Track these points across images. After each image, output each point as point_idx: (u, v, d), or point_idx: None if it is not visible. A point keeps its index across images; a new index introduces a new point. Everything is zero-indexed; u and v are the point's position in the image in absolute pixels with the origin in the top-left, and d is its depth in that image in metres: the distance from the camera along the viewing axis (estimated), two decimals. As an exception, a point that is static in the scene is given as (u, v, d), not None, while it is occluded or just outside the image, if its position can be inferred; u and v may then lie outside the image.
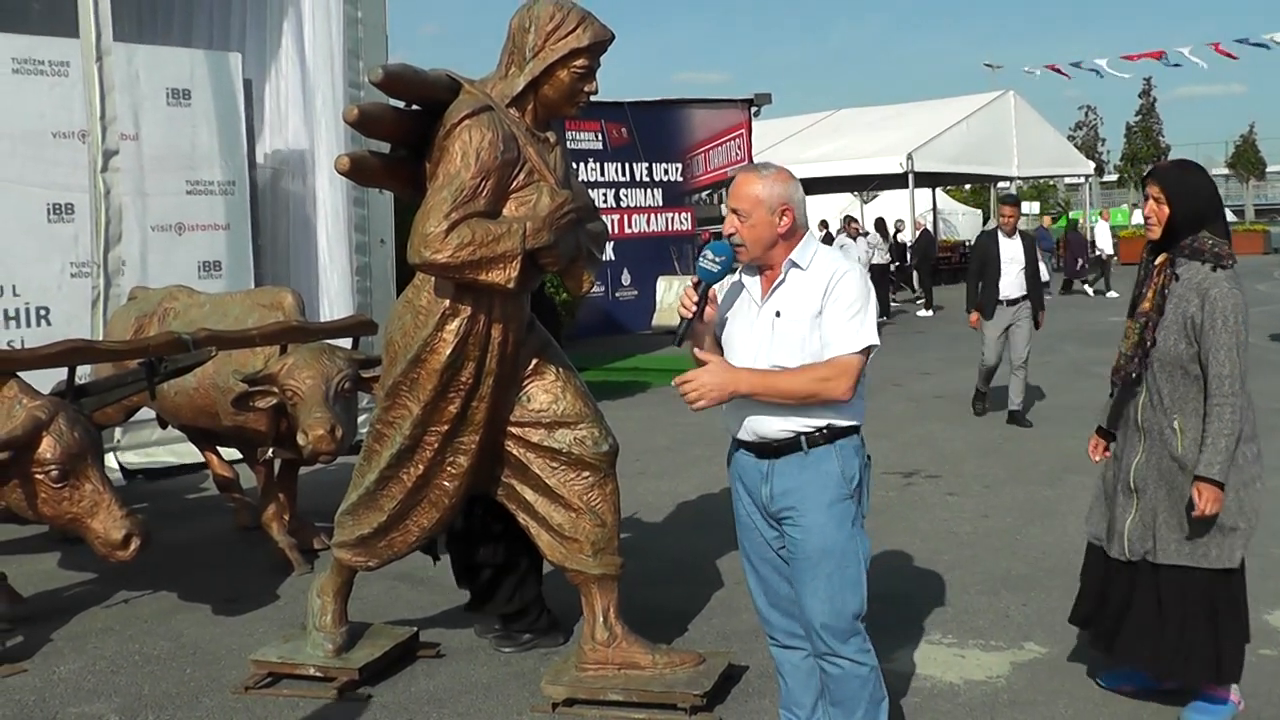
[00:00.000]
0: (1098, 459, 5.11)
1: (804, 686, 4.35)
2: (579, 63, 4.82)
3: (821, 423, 4.00)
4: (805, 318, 3.97)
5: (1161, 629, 4.64)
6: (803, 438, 4.01)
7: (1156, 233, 4.66)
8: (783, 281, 4.05)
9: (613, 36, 4.90)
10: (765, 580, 4.28)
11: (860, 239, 22.37)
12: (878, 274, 21.93)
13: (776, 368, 3.96)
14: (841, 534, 4.03)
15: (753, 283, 4.13)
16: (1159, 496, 4.62)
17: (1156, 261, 4.69)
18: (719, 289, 4.18)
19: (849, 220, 23.64)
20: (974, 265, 11.95)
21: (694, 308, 4.02)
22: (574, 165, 21.28)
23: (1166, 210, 4.61)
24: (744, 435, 4.11)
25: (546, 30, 4.78)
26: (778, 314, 4.02)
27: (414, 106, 4.89)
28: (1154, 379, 4.63)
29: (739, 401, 4.05)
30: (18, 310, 9.97)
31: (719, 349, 4.17)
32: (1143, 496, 4.67)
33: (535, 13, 4.80)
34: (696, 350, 4.09)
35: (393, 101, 4.92)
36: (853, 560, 4.06)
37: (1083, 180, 42.42)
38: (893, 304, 24.89)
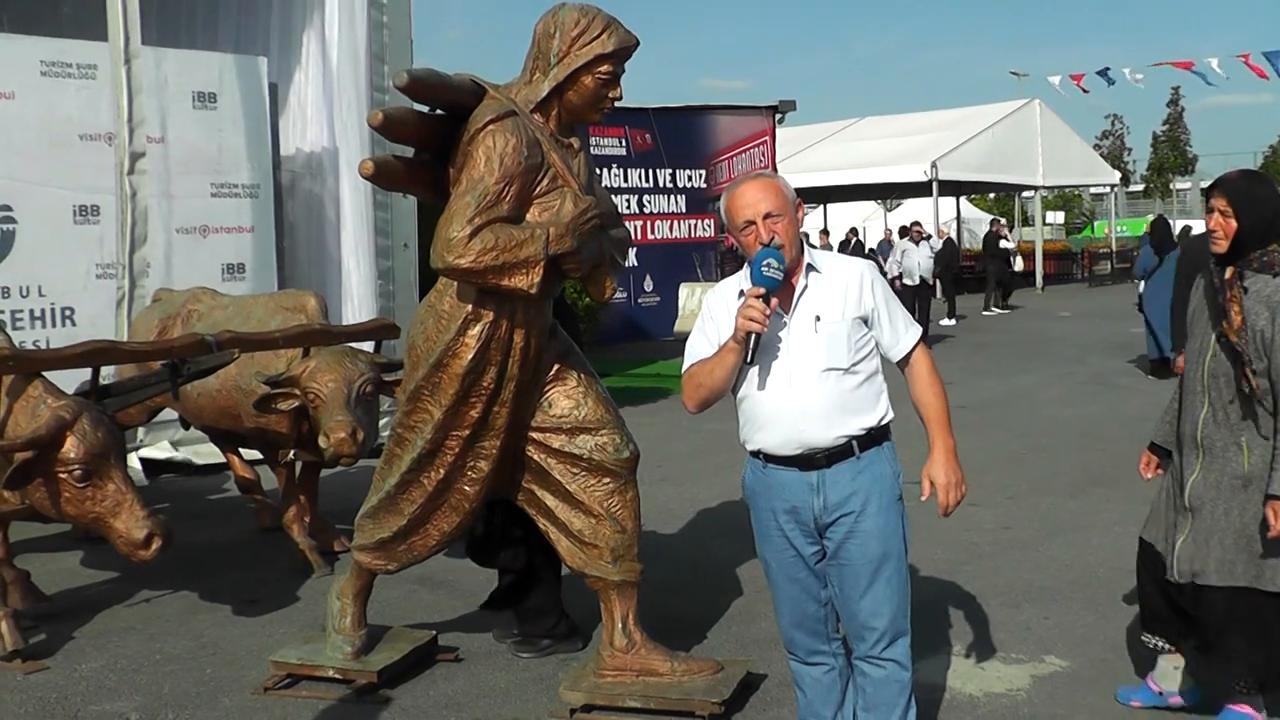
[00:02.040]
0: (1149, 476, 5.02)
1: (824, 700, 4.33)
2: (604, 69, 4.80)
3: (871, 423, 4.02)
4: (847, 319, 3.99)
5: (1228, 646, 4.54)
6: (854, 443, 4.00)
7: (1224, 246, 4.49)
8: (806, 286, 4.04)
9: (637, 42, 4.89)
10: (792, 599, 4.23)
11: (923, 243, 21.73)
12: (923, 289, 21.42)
13: (829, 371, 3.95)
14: (899, 535, 4.07)
15: None
16: (1217, 515, 4.49)
17: (1225, 276, 4.51)
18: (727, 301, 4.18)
19: (914, 224, 22.88)
20: (1181, 282, 8.57)
21: (765, 320, 3.87)
22: (597, 171, 21.32)
23: (1234, 224, 4.46)
24: (786, 450, 4.03)
25: (571, 36, 4.76)
26: (817, 318, 3.99)
27: (438, 111, 4.90)
28: (1219, 394, 4.49)
29: (777, 417, 4.00)
30: (43, 310, 10.04)
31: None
32: (1198, 516, 4.54)
33: (560, 18, 4.79)
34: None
35: (417, 106, 4.93)
36: (905, 560, 4.11)
37: (1108, 190, 42.27)
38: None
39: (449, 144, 4.84)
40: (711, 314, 4.17)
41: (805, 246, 4.12)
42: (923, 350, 4.16)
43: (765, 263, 3.89)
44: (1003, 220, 35.05)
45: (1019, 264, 32.55)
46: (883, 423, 4.08)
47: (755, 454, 4.16)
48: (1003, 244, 29.60)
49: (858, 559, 4.03)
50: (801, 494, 4.05)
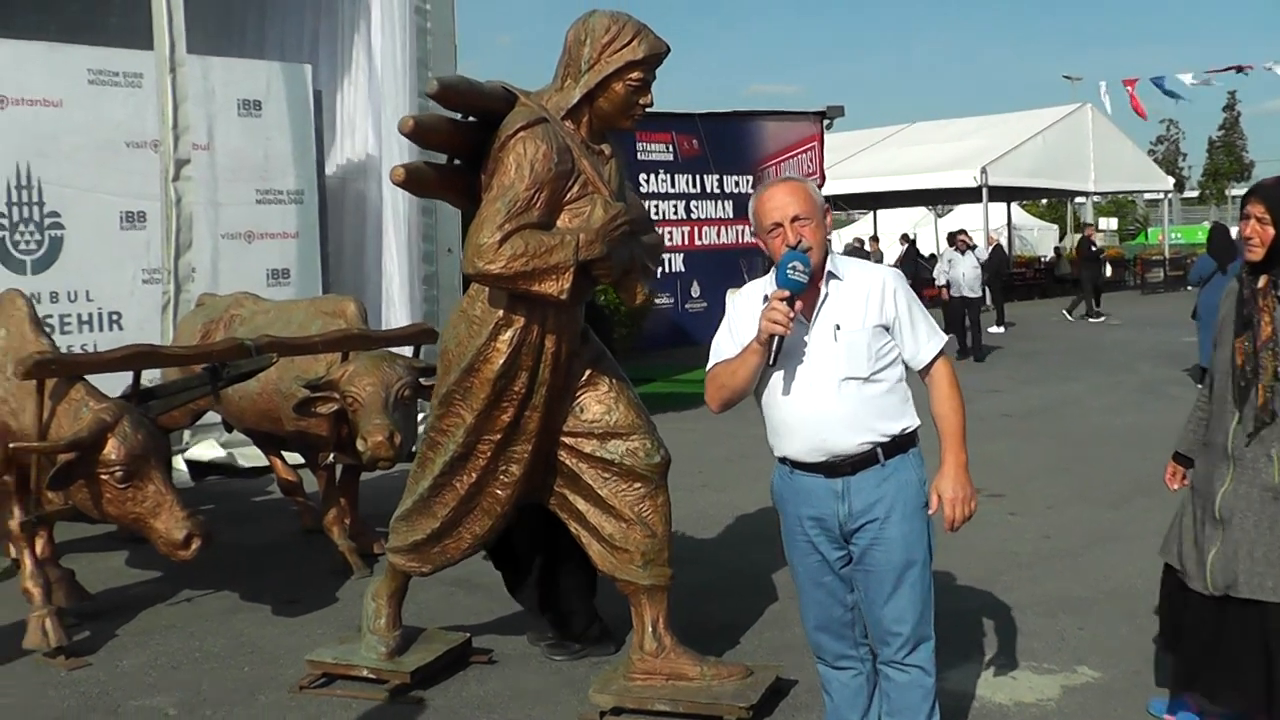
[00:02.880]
0: (1175, 487, 4.96)
1: (851, 705, 4.34)
2: (634, 75, 4.81)
3: (895, 430, 4.02)
4: (867, 327, 3.99)
5: (1252, 666, 4.44)
6: (879, 449, 4.01)
7: (1259, 254, 4.41)
8: (828, 295, 4.04)
9: (668, 49, 4.91)
10: (819, 604, 4.25)
11: (969, 252, 20.70)
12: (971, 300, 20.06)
13: (849, 380, 3.95)
14: (923, 542, 4.07)
15: None
16: (1247, 527, 4.40)
17: (1259, 284, 4.42)
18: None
19: (958, 233, 21.75)
20: None
21: (789, 322, 3.88)
22: (644, 176, 21.13)
23: (1271, 231, 4.37)
24: (810, 458, 4.05)
25: (602, 43, 4.79)
26: (837, 327, 3.99)
27: (470, 118, 4.95)
28: (1250, 405, 4.40)
29: (799, 425, 4.02)
30: (90, 315, 10.21)
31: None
32: (1229, 528, 4.46)
33: (591, 25, 4.82)
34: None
35: (449, 113, 4.97)
36: (929, 566, 4.11)
37: (1163, 196, 41.85)
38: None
39: (481, 150, 4.89)
40: (737, 314, 4.19)
41: (830, 253, 4.13)
42: (945, 362, 4.14)
43: (790, 265, 3.88)
44: (1092, 223, 34.13)
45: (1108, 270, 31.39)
46: (907, 430, 4.08)
47: (782, 460, 4.18)
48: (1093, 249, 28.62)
49: (882, 565, 4.04)
50: (826, 500, 4.06)
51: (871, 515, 4.02)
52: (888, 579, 4.04)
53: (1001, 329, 24.27)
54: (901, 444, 4.06)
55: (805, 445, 4.04)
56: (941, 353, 4.14)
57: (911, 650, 4.08)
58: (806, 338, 4.02)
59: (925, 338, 4.10)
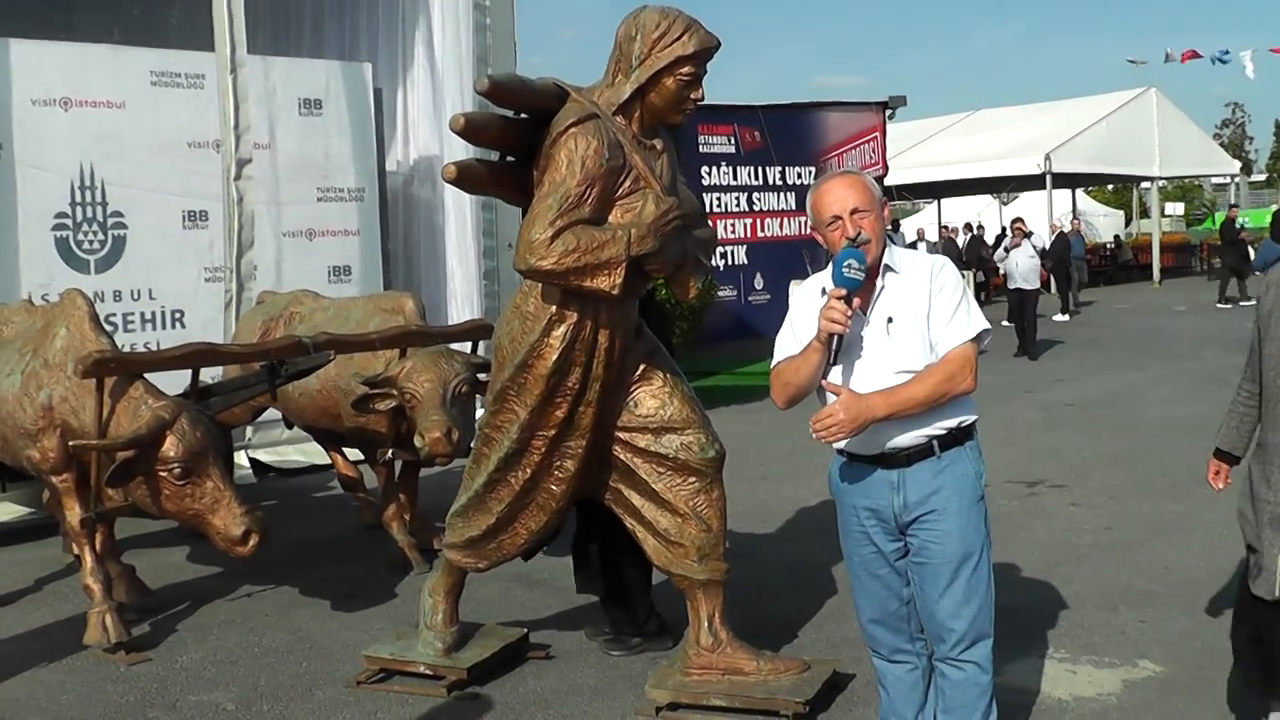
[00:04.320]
0: (1220, 487, 4.84)
1: (906, 699, 4.31)
2: (685, 70, 4.81)
3: (952, 423, 4.00)
4: (920, 318, 3.96)
5: None
6: (934, 442, 3.99)
7: None
8: (883, 288, 4.02)
9: (718, 44, 4.90)
10: (874, 596, 4.22)
11: (1025, 241, 19.95)
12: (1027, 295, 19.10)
13: (902, 374, 3.92)
14: (979, 535, 4.04)
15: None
16: None
17: None
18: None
19: (1014, 221, 21.18)
20: None
21: (847, 321, 3.86)
22: (706, 169, 21.07)
23: None
24: (866, 449, 4.04)
25: (652, 38, 4.78)
26: (890, 320, 3.98)
27: (522, 115, 4.95)
28: None
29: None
30: (154, 313, 10.31)
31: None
32: None
33: (641, 21, 4.82)
34: (824, 382, 3.96)
35: (502, 110, 4.98)
36: (987, 561, 4.07)
37: (1229, 180, 41.20)
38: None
39: (533, 147, 4.89)
40: (797, 310, 4.18)
41: (887, 246, 4.10)
42: (966, 348, 3.94)
43: (846, 263, 3.87)
44: (1238, 205, 33.03)
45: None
46: (964, 424, 4.04)
47: (839, 450, 4.17)
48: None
49: (937, 558, 4.01)
50: (882, 492, 4.05)
51: (927, 507, 4.00)
52: (943, 573, 4.01)
53: (1065, 317, 24.02)
54: (958, 437, 4.03)
55: (860, 437, 4.01)
56: (972, 342, 3.96)
57: (968, 647, 4.04)
58: (863, 331, 4.01)
59: (943, 330, 3.94)
